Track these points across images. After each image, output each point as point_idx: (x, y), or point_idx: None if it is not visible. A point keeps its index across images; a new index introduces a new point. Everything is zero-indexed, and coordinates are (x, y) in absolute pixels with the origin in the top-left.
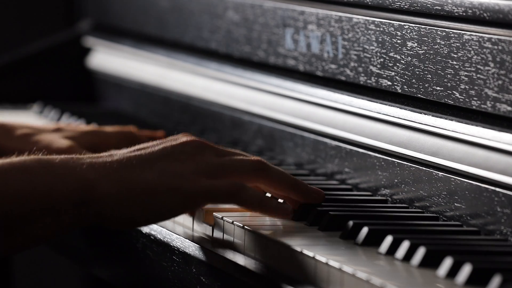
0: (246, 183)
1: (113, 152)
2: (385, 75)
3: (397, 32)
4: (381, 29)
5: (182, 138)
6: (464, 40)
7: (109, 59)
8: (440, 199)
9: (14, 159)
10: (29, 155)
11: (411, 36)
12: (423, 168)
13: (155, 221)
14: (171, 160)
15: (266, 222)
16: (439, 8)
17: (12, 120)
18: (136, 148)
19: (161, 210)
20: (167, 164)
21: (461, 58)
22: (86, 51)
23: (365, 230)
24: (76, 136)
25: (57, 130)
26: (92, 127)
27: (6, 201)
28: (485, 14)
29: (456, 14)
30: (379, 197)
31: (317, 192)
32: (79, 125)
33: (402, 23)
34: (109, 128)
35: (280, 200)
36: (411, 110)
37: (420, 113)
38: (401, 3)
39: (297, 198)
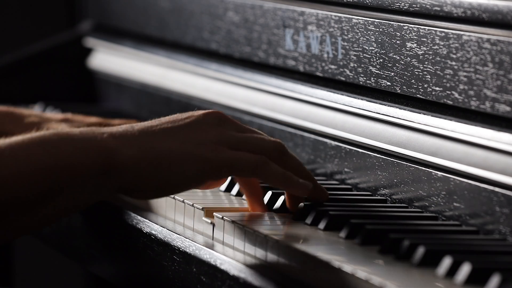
0: None
1: (134, 124)
2: (384, 76)
3: (397, 33)
4: (381, 29)
5: (203, 111)
6: (463, 40)
7: (110, 59)
8: (439, 199)
9: (33, 134)
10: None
11: (410, 36)
12: (422, 168)
13: (179, 190)
14: (194, 129)
15: (266, 222)
16: (438, 9)
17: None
18: (158, 120)
19: (185, 178)
20: (190, 133)
21: (460, 58)
22: (87, 51)
23: (364, 230)
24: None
25: (65, 120)
26: (99, 119)
27: (31, 176)
28: (484, 15)
29: (455, 15)
30: (379, 197)
31: (324, 191)
32: (86, 117)
33: (402, 24)
34: (116, 121)
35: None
36: (410, 110)
37: (419, 113)
38: (401, 4)
39: None
